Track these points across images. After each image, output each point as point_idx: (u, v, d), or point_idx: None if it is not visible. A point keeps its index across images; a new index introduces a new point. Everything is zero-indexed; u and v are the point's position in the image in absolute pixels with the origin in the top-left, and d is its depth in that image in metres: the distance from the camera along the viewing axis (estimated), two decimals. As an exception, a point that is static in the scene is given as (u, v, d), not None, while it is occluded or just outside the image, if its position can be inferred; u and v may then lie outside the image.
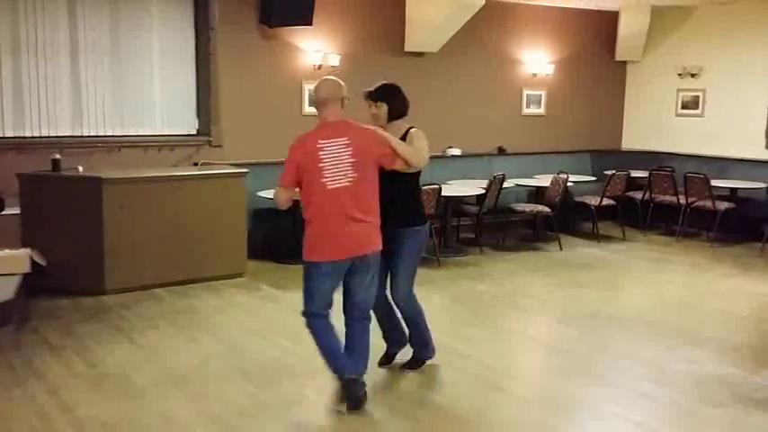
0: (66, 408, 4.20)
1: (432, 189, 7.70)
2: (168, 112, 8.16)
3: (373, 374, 4.63)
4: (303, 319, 4.30)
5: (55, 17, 7.45)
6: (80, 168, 6.88)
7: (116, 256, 6.48)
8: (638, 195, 9.87)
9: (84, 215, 6.50)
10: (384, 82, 4.61)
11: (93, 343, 5.30)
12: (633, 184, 9.95)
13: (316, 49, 8.61)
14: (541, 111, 10.62)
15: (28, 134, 7.41)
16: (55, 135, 7.52)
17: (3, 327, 5.39)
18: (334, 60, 8.69)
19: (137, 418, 4.11)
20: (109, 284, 6.46)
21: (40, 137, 7.45)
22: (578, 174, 10.06)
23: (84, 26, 7.60)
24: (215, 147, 8.14)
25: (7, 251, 6.22)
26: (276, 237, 7.98)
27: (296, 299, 6.50)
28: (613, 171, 9.48)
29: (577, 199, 9.61)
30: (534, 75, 10.41)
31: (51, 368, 4.80)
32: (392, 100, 4.53)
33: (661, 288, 7.29)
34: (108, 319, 5.88)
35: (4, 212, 6.94)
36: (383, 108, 4.50)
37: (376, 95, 4.53)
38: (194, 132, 8.26)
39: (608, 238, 9.48)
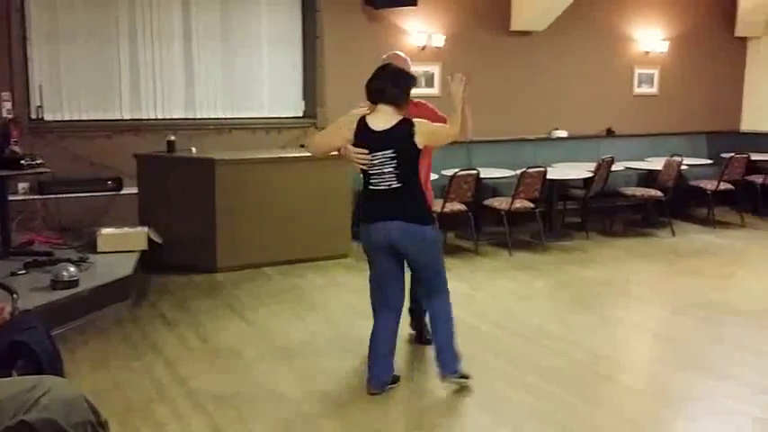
0: (181, 380, 4.37)
1: (537, 172, 7.55)
2: (276, 95, 8.32)
3: (478, 362, 4.61)
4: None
5: (169, 3, 7.71)
6: (193, 150, 7.12)
7: (227, 235, 6.68)
8: (759, 179, 9.33)
9: (197, 195, 6.71)
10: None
11: (205, 318, 5.50)
12: (753, 167, 9.41)
13: (420, 29, 8.56)
14: (654, 90, 10.20)
15: (144, 116, 7.73)
16: (169, 117, 7.81)
17: (122, 301, 5.67)
18: (439, 41, 8.62)
19: (247, 392, 4.23)
20: (220, 262, 6.67)
21: (155, 119, 7.75)
22: (693, 156, 9.60)
23: (197, 12, 7.84)
24: (321, 129, 8.22)
25: (126, 229, 6.53)
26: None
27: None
28: (732, 154, 9.01)
29: (692, 183, 9.19)
30: (647, 53, 10.01)
31: (167, 342, 5.00)
32: None
33: (782, 278, 6.91)
34: (220, 295, 6.08)
35: (122, 192, 7.29)
36: None
37: None
38: (300, 115, 8.39)
39: (725, 225, 9.03)
